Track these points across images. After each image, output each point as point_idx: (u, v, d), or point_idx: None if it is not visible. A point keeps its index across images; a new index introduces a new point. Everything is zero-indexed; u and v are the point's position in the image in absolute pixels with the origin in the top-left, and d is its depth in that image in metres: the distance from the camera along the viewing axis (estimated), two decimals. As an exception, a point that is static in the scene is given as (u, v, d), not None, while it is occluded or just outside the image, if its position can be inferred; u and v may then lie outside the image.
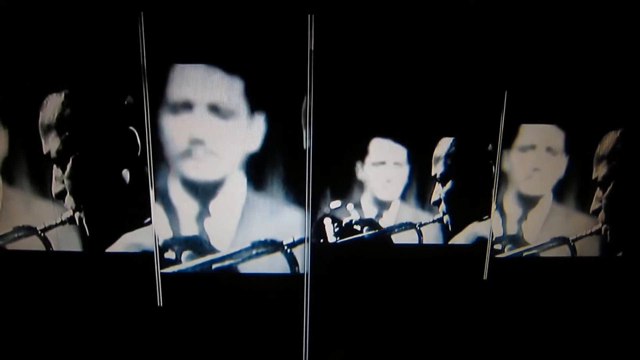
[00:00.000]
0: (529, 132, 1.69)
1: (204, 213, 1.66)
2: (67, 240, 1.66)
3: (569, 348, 1.91)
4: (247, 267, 1.72)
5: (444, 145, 1.68)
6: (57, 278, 1.72)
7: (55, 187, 1.62)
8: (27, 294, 1.74)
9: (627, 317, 1.88)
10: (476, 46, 1.60)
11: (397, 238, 1.74)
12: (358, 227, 1.72)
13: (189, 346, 1.81)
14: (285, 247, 1.71)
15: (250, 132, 1.60)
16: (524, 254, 1.80)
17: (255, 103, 1.58)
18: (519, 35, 1.60)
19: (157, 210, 1.65)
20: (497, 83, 1.64)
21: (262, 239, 1.70)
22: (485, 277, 1.80)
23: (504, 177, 1.72)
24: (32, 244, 1.66)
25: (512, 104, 1.66)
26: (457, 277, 1.80)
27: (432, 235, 1.75)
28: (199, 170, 1.61)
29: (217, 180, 1.63)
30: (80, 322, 1.77)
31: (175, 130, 1.58)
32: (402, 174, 1.68)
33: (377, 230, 1.73)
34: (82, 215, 1.65)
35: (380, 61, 1.59)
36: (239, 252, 1.70)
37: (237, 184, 1.64)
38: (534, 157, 1.70)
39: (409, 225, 1.74)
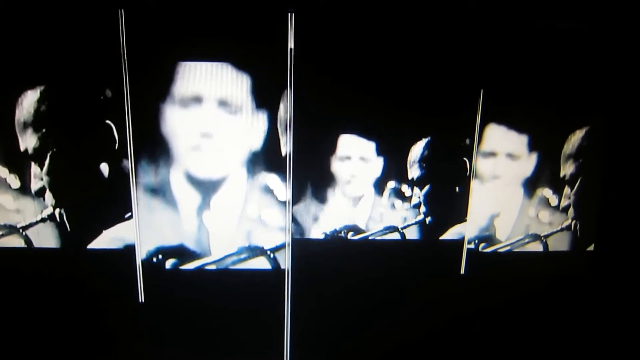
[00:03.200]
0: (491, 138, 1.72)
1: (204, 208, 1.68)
2: (48, 238, 1.65)
3: (547, 341, 1.96)
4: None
5: (417, 149, 1.70)
6: (36, 275, 1.71)
7: (35, 185, 1.61)
8: (6, 291, 1.74)
9: (601, 308, 1.94)
10: (453, 45, 1.62)
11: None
12: (342, 234, 1.75)
13: (171, 342, 1.83)
14: (268, 252, 1.74)
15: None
16: (499, 251, 1.84)
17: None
18: (495, 33, 1.62)
19: (153, 205, 1.65)
20: (473, 81, 1.67)
21: (247, 244, 1.72)
22: (462, 271, 1.84)
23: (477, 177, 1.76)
24: (13, 242, 1.66)
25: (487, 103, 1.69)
26: (435, 272, 1.84)
27: (415, 237, 1.79)
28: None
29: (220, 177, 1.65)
30: (61, 318, 1.77)
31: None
32: (370, 169, 1.71)
33: (361, 236, 1.76)
34: (62, 211, 1.64)
35: (362, 59, 1.61)
36: (224, 258, 1.71)
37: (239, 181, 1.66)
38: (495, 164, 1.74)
39: (392, 229, 1.76)
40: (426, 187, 1.73)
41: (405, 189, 1.73)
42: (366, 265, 1.79)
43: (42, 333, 1.77)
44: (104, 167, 1.62)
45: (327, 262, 1.77)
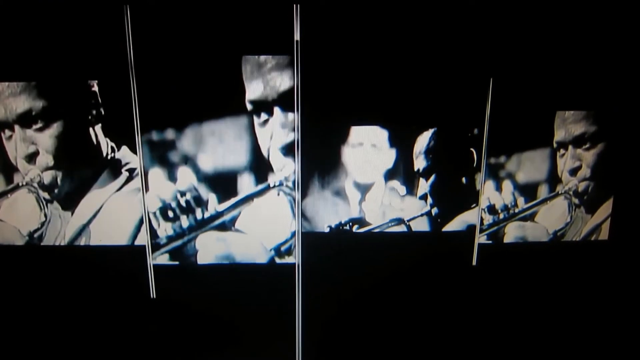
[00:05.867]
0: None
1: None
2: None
3: (560, 334, 1.95)
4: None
5: (423, 140, 1.68)
6: (45, 271, 1.73)
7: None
8: (11, 289, 1.75)
9: (615, 300, 1.92)
10: (462, 34, 1.60)
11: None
12: (347, 227, 1.74)
13: (184, 337, 1.83)
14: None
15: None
16: (512, 242, 1.82)
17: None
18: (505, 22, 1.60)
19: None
20: (482, 70, 1.64)
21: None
22: (474, 263, 1.82)
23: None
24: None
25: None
26: (446, 264, 1.82)
27: (421, 228, 1.77)
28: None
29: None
30: (71, 316, 1.78)
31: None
32: (381, 157, 1.69)
33: (366, 229, 1.75)
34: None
35: (369, 51, 1.59)
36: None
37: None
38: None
39: (398, 221, 1.75)
40: (432, 178, 1.71)
41: (411, 181, 1.72)
42: (376, 258, 1.79)
43: (51, 329, 1.80)
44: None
45: (338, 256, 1.77)
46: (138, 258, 1.72)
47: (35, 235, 1.68)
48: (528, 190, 1.77)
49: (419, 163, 1.70)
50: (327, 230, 1.74)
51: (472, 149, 1.71)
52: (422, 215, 1.75)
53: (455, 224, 1.78)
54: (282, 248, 1.75)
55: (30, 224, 1.67)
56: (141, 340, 1.82)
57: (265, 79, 1.58)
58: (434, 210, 1.75)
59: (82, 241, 1.69)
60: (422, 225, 1.76)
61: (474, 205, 1.77)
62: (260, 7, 1.52)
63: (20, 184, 1.63)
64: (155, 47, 1.53)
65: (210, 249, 1.72)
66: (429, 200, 1.74)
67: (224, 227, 1.70)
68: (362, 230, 1.75)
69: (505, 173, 1.75)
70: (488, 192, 1.76)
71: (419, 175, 1.71)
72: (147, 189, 1.65)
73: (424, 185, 1.72)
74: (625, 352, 1.94)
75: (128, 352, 1.83)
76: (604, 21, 1.61)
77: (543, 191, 1.77)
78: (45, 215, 1.66)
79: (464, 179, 1.73)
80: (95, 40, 1.52)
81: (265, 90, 1.59)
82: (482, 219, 1.79)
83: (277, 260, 1.76)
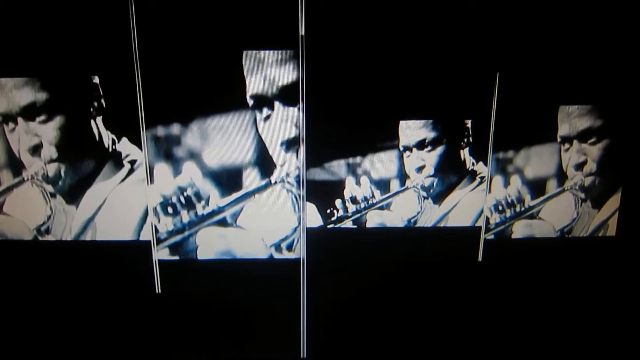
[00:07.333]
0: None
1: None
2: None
3: (567, 332, 1.93)
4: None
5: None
6: (50, 266, 1.74)
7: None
8: (16, 285, 1.77)
9: (621, 295, 1.90)
10: (469, 27, 1.58)
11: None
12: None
13: (189, 332, 1.83)
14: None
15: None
16: (518, 238, 1.81)
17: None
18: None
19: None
20: (489, 64, 1.62)
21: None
22: (480, 259, 1.81)
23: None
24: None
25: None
26: (451, 260, 1.81)
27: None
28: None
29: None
30: (76, 311, 1.80)
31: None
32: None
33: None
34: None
35: (375, 46, 1.58)
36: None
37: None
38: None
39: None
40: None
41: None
42: (381, 253, 1.79)
43: (55, 325, 1.81)
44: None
45: (342, 250, 1.77)
46: (143, 253, 1.72)
47: (42, 229, 1.68)
48: (534, 186, 1.76)
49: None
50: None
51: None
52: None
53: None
54: (283, 245, 1.75)
55: (36, 218, 1.68)
56: (147, 335, 1.83)
57: (268, 73, 1.57)
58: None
59: (88, 235, 1.69)
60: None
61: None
62: (264, 1, 1.51)
63: (25, 178, 1.64)
64: (160, 41, 1.54)
65: (210, 244, 1.72)
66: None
67: (225, 223, 1.70)
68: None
69: (513, 168, 1.74)
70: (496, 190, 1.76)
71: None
72: (151, 181, 1.66)
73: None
74: (634, 352, 1.92)
75: (134, 347, 1.84)
76: (610, 14, 1.60)
77: (550, 186, 1.76)
78: (51, 209, 1.67)
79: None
80: (101, 34, 1.53)
81: (268, 85, 1.58)
82: (488, 218, 1.78)
83: (279, 256, 1.75)
